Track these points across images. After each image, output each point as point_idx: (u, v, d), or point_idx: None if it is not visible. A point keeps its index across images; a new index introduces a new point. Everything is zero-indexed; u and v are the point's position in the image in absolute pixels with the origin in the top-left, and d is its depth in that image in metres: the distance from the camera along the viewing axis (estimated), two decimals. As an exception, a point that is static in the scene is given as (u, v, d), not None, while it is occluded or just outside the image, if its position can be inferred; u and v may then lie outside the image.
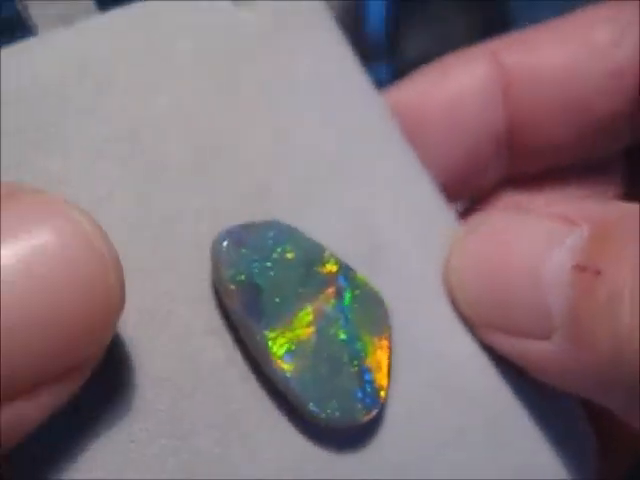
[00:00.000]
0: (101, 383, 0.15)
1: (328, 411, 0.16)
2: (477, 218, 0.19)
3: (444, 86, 0.22)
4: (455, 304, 0.19)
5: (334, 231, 0.18)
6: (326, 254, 0.17)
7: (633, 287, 0.15)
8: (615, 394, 0.16)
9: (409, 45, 0.45)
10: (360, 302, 0.17)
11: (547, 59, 0.21)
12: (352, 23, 0.45)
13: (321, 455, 0.16)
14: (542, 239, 0.17)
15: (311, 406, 0.16)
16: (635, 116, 0.21)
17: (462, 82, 0.22)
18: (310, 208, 0.18)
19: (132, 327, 0.15)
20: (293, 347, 0.16)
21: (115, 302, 0.13)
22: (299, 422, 0.16)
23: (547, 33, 0.21)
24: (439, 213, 0.20)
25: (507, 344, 0.18)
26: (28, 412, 0.12)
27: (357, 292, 0.17)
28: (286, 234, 0.16)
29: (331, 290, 0.16)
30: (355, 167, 0.19)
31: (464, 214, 0.23)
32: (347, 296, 0.17)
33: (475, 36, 0.46)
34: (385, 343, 0.17)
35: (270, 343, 0.16)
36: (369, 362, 0.16)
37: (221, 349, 0.16)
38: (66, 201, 0.13)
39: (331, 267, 0.17)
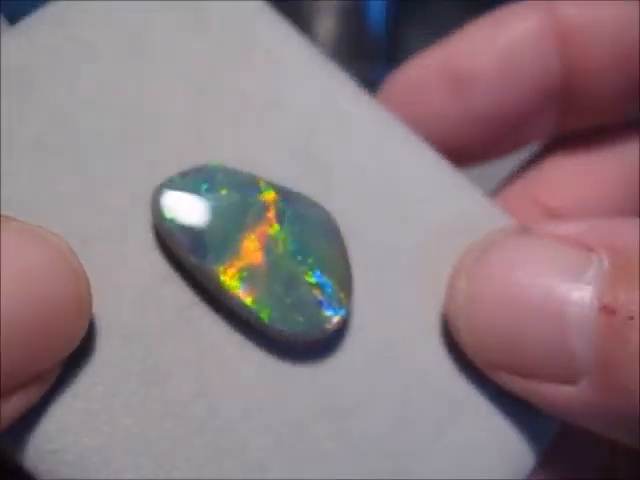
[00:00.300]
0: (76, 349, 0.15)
1: (294, 325, 0.16)
2: (484, 240, 0.18)
3: (498, 37, 0.21)
4: (462, 344, 0.17)
5: (277, 154, 0.18)
6: (261, 183, 0.17)
7: None
8: None
9: (409, 45, 0.45)
10: (303, 215, 0.17)
11: (603, 11, 0.20)
12: (352, 23, 0.45)
13: (299, 371, 0.17)
14: (560, 272, 0.16)
15: (275, 325, 0.16)
16: None
17: (517, 33, 0.21)
18: (248, 137, 0.18)
19: (94, 291, 0.15)
20: (245, 274, 0.16)
21: (87, 310, 0.15)
22: (272, 345, 0.17)
23: None
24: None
25: (524, 387, 0.17)
26: (13, 407, 0.14)
27: (298, 207, 0.17)
28: (219, 173, 0.17)
29: (271, 214, 0.17)
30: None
31: (508, 182, 0.23)
32: (288, 214, 0.17)
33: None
34: (338, 250, 0.17)
35: (222, 277, 0.16)
36: (325, 269, 0.17)
37: (181, 294, 0.17)
38: (45, 228, 0.15)
39: (269, 195, 0.17)
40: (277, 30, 0.20)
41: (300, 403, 0.17)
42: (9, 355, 0.13)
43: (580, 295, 0.15)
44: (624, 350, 0.15)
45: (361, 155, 0.19)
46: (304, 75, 0.19)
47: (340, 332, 0.17)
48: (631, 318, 0.15)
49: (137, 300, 0.17)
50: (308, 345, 0.17)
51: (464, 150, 0.21)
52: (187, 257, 0.16)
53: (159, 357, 0.16)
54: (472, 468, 0.17)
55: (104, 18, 0.18)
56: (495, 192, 0.24)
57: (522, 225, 0.18)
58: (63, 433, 0.15)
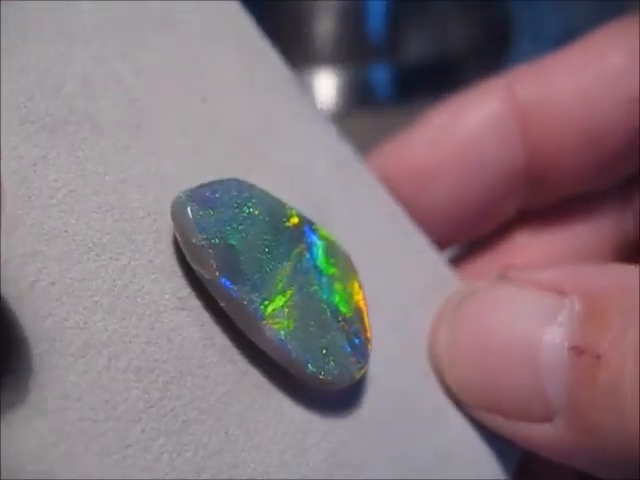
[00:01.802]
0: (81, 384, 0.13)
1: (326, 370, 0.15)
2: (462, 289, 0.19)
3: (458, 126, 0.21)
4: (444, 384, 0.18)
5: (280, 186, 0.17)
6: (286, 207, 0.16)
7: (634, 373, 0.15)
8: (621, 473, 0.16)
9: (409, 45, 0.45)
10: (329, 255, 0.16)
11: (561, 90, 0.20)
12: (352, 23, 0.45)
13: (321, 421, 0.16)
14: (533, 315, 0.17)
15: (309, 367, 0.15)
16: None
17: (475, 121, 0.21)
18: (253, 167, 0.17)
19: (99, 310, 0.14)
20: (281, 308, 0.15)
21: None
22: (291, 391, 0.16)
23: (559, 62, 0.21)
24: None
25: (505, 427, 0.17)
26: None
27: (324, 244, 0.16)
28: (247, 191, 0.16)
29: (302, 246, 0.16)
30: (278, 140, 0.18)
31: (476, 252, 0.23)
32: (317, 251, 0.16)
33: (475, 36, 0.46)
34: (360, 293, 0.17)
35: (258, 306, 0.15)
36: (351, 315, 0.16)
37: (196, 325, 0.15)
38: None
39: (294, 220, 0.16)
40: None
41: (317, 459, 0.15)
42: None
43: (552, 337, 0.16)
44: (593, 389, 0.15)
45: (351, 200, 0.19)
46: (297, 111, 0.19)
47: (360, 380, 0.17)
48: (599, 358, 0.15)
49: (147, 327, 0.14)
50: (330, 392, 0.16)
51: (434, 236, 0.21)
52: (219, 281, 0.14)
53: (174, 400, 0.14)
54: None
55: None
56: (462, 259, 0.24)
57: (499, 273, 0.18)
58: None
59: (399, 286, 0.19)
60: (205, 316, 0.15)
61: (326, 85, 0.43)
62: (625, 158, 0.21)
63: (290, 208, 0.16)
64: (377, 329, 0.17)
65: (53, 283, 0.14)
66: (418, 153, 0.21)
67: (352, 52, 0.44)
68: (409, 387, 0.18)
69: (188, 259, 0.15)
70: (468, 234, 0.23)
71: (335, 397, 0.16)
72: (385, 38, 0.46)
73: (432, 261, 0.20)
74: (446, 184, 0.21)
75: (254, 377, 0.15)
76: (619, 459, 0.15)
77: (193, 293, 0.15)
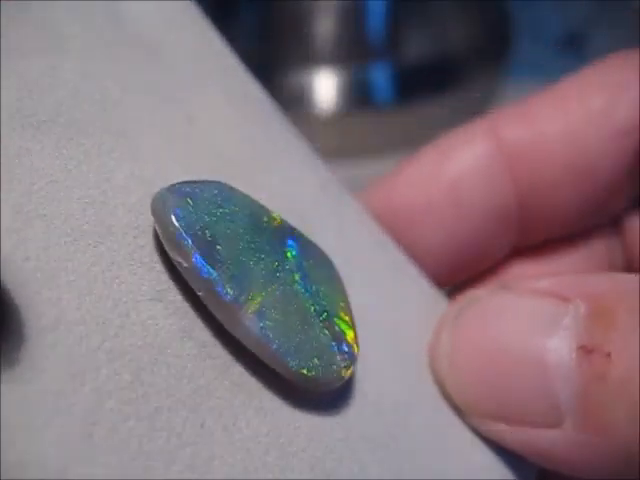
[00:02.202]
0: (49, 357, 0.13)
1: (310, 367, 0.15)
2: (463, 299, 0.19)
3: (446, 166, 0.21)
4: (447, 396, 0.18)
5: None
6: (268, 210, 0.16)
7: None
8: (633, 475, 0.16)
9: (409, 45, 0.45)
10: (312, 258, 0.16)
11: (547, 129, 0.21)
12: (352, 23, 0.45)
13: (308, 426, 0.15)
14: (537, 321, 0.17)
15: (292, 363, 0.15)
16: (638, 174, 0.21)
17: (464, 163, 0.21)
18: (238, 185, 0.17)
19: (74, 289, 0.14)
20: (261, 301, 0.15)
21: None
22: (276, 392, 0.15)
23: (543, 103, 0.21)
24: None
25: (510, 434, 0.17)
26: None
27: (307, 247, 0.16)
28: (229, 192, 0.16)
29: (284, 246, 0.16)
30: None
31: (469, 286, 0.23)
32: (300, 251, 0.16)
33: (475, 36, 0.46)
34: (344, 298, 0.16)
35: (238, 296, 0.14)
36: (336, 317, 0.16)
37: (174, 318, 0.15)
38: None
39: (277, 221, 0.16)
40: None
41: (302, 465, 0.15)
42: None
43: (558, 341, 0.16)
44: (604, 387, 0.15)
45: (335, 227, 0.19)
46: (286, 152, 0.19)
47: (344, 384, 0.16)
48: (609, 355, 0.15)
49: (122, 313, 0.14)
50: (313, 392, 0.16)
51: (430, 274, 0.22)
52: (197, 271, 0.14)
53: (148, 386, 0.14)
54: None
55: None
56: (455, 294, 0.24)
57: (500, 283, 0.19)
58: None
59: (388, 303, 0.19)
60: (184, 310, 0.15)
61: (326, 85, 0.43)
62: (611, 192, 0.21)
63: (272, 211, 0.16)
64: (365, 339, 0.17)
65: (28, 258, 0.14)
66: (407, 193, 0.21)
67: (352, 52, 0.44)
68: (400, 398, 0.17)
69: (166, 248, 0.15)
70: (462, 273, 0.23)
71: (323, 402, 0.16)
72: (385, 38, 0.46)
73: (422, 283, 0.20)
74: (436, 224, 0.21)
75: (235, 375, 0.15)
76: (632, 460, 0.15)
77: (173, 287, 0.15)
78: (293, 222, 0.17)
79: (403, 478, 0.16)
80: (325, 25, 0.44)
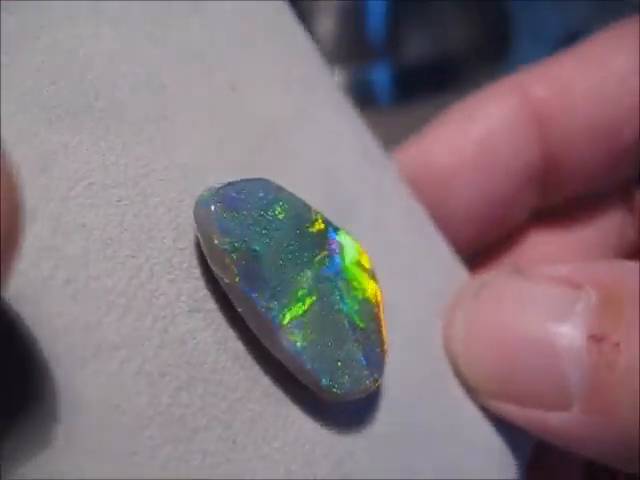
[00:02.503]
0: (91, 387, 0.13)
1: (340, 383, 0.15)
2: (477, 281, 0.19)
3: (474, 126, 0.22)
4: (460, 375, 0.19)
5: (306, 185, 0.17)
6: (312, 211, 0.16)
7: None
8: (635, 459, 0.16)
9: (409, 45, 0.45)
10: (351, 262, 0.16)
11: (572, 88, 0.21)
12: (352, 23, 0.45)
13: (330, 432, 0.16)
14: (551, 307, 0.17)
15: (324, 381, 0.15)
16: None
17: (492, 121, 0.22)
18: (278, 163, 0.17)
19: (113, 310, 0.13)
20: (299, 317, 0.15)
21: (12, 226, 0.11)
22: (301, 400, 0.15)
23: (570, 62, 0.21)
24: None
25: (521, 415, 0.18)
26: None
27: (349, 252, 0.16)
28: (274, 193, 0.15)
29: (325, 252, 0.16)
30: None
31: (488, 252, 0.24)
32: (340, 258, 0.16)
33: (475, 36, 0.46)
34: (379, 305, 0.16)
35: (277, 314, 0.14)
36: (368, 327, 0.16)
37: (211, 329, 0.14)
38: None
39: (319, 225, 0.16)
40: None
41: (323, 470, 0.15)
42: None
43: (570, 327, 0.17)
44: (612, 374, 0.16)
45: (375, 201, 0.19)
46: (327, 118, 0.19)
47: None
48: (617, 344, 0.16)
49: (162, 329, 0.14)
50: (342, 404, 0.16)
51: (455, 237, 0.22)
52: (239, 286, 0.14)
53: (184, 407, 0.14)
54: None
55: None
56: (475, 259, 0.24)
57: (514, 266, 0.19)
58: None
59: (417, 295, 0.19)
60: (220, 320, 0.15)
61: (326, 85, 0.43)
62: (632, 154, 0.21)
63: (316, 212, 0.16)
64: (393, 341, 0.17)
65: (68, 281, 0.13)
66: (436, 155, 0.22)
67: (352, 52, 0.44)
68: (423, 401, 0.18)
69: (209, 261, 0.14)
70: (487, 234, 0.23)
71: (346, 408, 0.16)
72: (385, 38, 0.46)
73: (452, 268, 0.20)
74: (465, 185, 0.22)
75: (266, 385, 0.15)
76: (632, 439, 0.16)
77: (210, 295, 0.15)
78: (334, 199, 0.17)
79: (420, 475, 0.17)
80: (325, 25, 0.44)
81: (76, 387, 0.13)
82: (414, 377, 0.18)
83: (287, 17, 0.19)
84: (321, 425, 0.15)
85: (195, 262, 0.15)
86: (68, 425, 0.12)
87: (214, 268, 0.14)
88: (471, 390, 0.18)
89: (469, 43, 0.46)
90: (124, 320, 0.13)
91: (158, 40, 0.16)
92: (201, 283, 0.15)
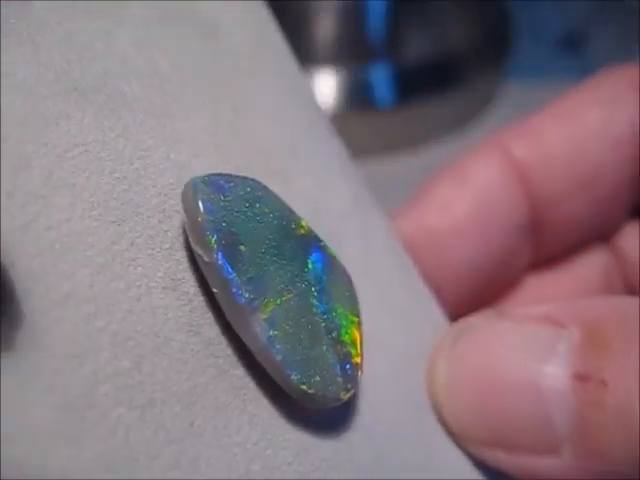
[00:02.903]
0: (54, 332, 0.13)
1: (310, 383, 0.15)
2: (456, 327, 0.19)
3: (467, 187, 0.22)
4: (444, 423, 0.18)
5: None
6: (298, 216, 0.16)
7: None
8: None
9: (409, 45, 0.45)
10: (333, 273, 0.16)
11: (553, 144, 0.22)
12: (352, 23, 0.45)
13: (297, 441, 0.15)
14: (533, 347, 0.17)
15: (293, 376, 0.14)
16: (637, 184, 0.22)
17: (483, 183, 0.22)
18: (272, 184, 0.17)
19: (90, 265, 0.13)
20: (275, 308, 0.15)
21: None
22: (272, 402, 0.15)
23: (546, 119, 0.22)
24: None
25: (509, 462, 0.17)
26: None
27: (329, 261, 0.16)
28: (262, 191, 0.15)
29: (307, 256, 0.16)
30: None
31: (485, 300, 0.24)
32: (321, 265, 0.16)
33: (475, 36, 0.46)
34: (357, 320, 0.16)
35: (252, 300, 0.14)
36: (345, 337, 0.16)
37: (185, 310, 0.14)
38: None
39: (304, 230, 0.16)
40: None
41: (285, 478, 0.15)
42: None
43: (554, 368, 0.16)
44: (601, 413, 0.15)
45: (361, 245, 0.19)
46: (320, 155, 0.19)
47: (345, 405, 0.16)
48: (604, 382, 0.15)
49: (134, 298, 0.14)
50: (311, 410, 0.15)
51: (454, 295, 0.22)
52: (218, 267, 0.14)
53: (146, 375, 0.14)
54: None
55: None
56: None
57: (495, 309, 0.19)
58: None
59: (400, 332, 0.19)
60: (196, 303, 0.15)
61: (326, 85, 0.43)
62: (614, 202, 0.22)
63: (300, 218, 0.16)
64: (371, 363, 0.17)
65: (49, 228, 0.13)
66: (431, 219, 0.22)
67: (352, 52, 0.44)
68: (399, 422, 0.17)
69: (190, 240, 0.14)
70: (484, 290, 0.23)
71: (317, 419, 0.16)
72: (385, 38, 0.46)
73: (435, 315, 0.20)
74: (461, 246, 0.22)
75: (235, 378, 0.15)
76: None
77: (189, 278, 0.15)
78: (320, 230, 0.17)
79: None
80: (325, 25, 0.44)
81: (40, 327, 0.13)
82: (391, 409, 0.17)
83: (288, 56, 0.20)
84: (288, 432, 0.15)
85: (178, 246, 0.15)
86: (24, 360, 0.12)
87: (195, 247, 0.14)
88: (456, 438, 0.18)
89: (469, 43, 0.46)
90: (98, 277, 0.14)
91: (169, 51, 0.17)
92: (181, 266, 0.15)
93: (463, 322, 0.19)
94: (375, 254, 0.19)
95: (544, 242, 0.23)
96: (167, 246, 0.15)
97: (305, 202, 0.18)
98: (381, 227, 0.20)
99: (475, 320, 0.19)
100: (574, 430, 0.16)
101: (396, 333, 0.19)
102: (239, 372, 0.15)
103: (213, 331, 0.15)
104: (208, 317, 0.15)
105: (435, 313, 0.20)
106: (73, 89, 0.15)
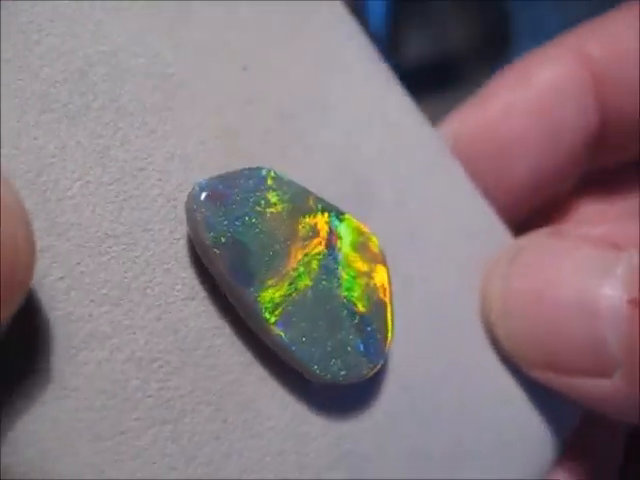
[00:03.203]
0: (80, 375, 0.13)
1: (332, 370, 0.15)
2: (513, 246, 0.18)
3: (533, 90, 0.21)
4: (497, 344, 0.18)
5: (319, 170, 0.17)
6: (311, 200, 0.15)
7: None
8: None
9: (409, 46, 0.45)
10: (353, 248, 0.16)
11: (628, 45, 0.20)
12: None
13: (326, 413, 0.16)
14: (591, 270, 0.16)
15: (314, 368, 0.15)
16: None
17: (550, 83, 0.21)
18: (291, 147, 0.17)
19: (106, 302, 0.14)
20: (289, 307, 0.15)
21: (24, 259, 0.12)
22: (298, 383, 0.15)
23: (622, 18, 0.21)
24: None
25: (560, 382, 0.17)
26: None
27: (351, 237, 0.16)
28: (269, 182, 0.15)
29: (322, 241, 0.15)
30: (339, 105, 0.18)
31: (534, 218, 0.23)
32: (341, 244, 0.16)
33: (475, 36, 0.46)
34: (385, 290, 0.16)
35: (263, 308, 0.14)
36: (370, 312, 0.16)
37: (205, 316, 0.15)
38: None
39: (318, 215, 0.15)
40: (337, 22, 0.18)
41: (319, 449, 0.15)
42: None
43: (610, 290, 0.16)
44: None
45: (401, 176, 0.18)
46: (356, 76, 0.18)
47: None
48: None
49: (155, 317, 0.14)
50: (340, 387, 0.16)
51: (510, 203, 0.21)
52: (227, 279, 0.14)
53: (174, 390, 0.14)
54: (498, 462, 0.17)
55: None
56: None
57: (552, 229, 0.18)
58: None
59: (448, 264, 0.18)
60: (215, 306, 0.15)
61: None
62: None
63: (316, 201, 0.16)
64: (406, 319, 0.17)
65: (62, 278, 0.14)
66: (491, 120, 0.21)
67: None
68: (432, 379, 0.17)
69: (198, 253, 0.15)
70: (537, 200, 0.22)
71: (346, 389, 0.16)
72: (385, 38, 0.46)
73: (493, 232, 0.20)
74: (520, 151, 0.21)
75: (260, 368, 0.15)
76: None
77: (205, 283, 0.15)
78: (347, 184, 0.17)
79: (425, 455, 0.17)
80: (325, 25, 0.44)
81: (65, 375, 0.13)
82: (426, 356, 0.17)
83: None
84: (317, 406, 0.16)
85: (190, 252, 0.15)
86: (55, 407, 0.13)
87: (204, 261, 0.14)
88: (509, 359, 0.18)
89: (469, 43, 0.46)
90: (116, 311, 0.14)
91: (166, 32, 0.16)
92: (197, 271, 0.15)
93: (520, 241, 0.19)
94: (414, 190, 0.18)
95: (607, 153, 0.21)
96: (180, 255, 0.15)
97: (331, 155, 0.17)
98: (426, 147, 0.19)
99: (533, 239, 0.18)
100: (627, 355, 0.16)
101: (443, 265, 0.18)
102: (263, 364, 0.15)
103: (234, 330, 0.15)
104: (229, 317, 0.15)
105: (494, 231, 0.20)
106: (63, 116, 0.14)
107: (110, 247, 0.14)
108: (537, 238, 0.18)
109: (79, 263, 0.14)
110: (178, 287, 0.15)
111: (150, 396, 0.14)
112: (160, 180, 0.15)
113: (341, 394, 0.16)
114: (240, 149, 0.16)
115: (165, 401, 0.14)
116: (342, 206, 0.16)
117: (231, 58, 0.16)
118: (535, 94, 0.21)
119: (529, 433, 0.18)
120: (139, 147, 0.15)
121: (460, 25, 0.47)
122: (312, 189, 0.16)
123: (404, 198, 0.18)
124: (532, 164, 0.21)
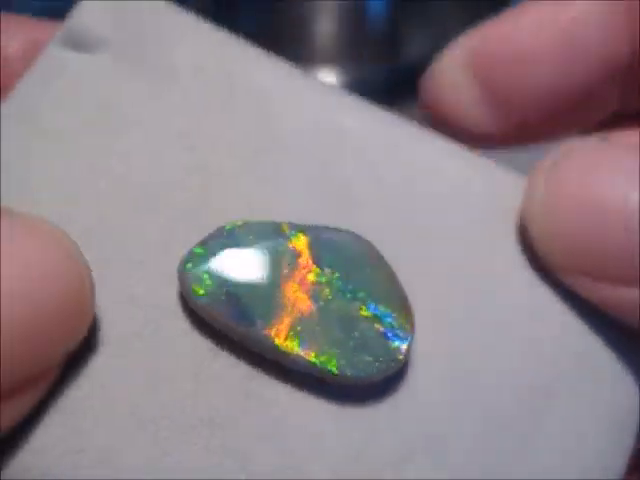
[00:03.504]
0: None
1: (350, 374, 0.15)
2: (560, 148, 0.18)
3: (563, 9, 0.20)
4: (536, 248, 0.18)
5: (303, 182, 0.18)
6: (286, 228, 0.16)
7: None
8: None
9: (409, 45, 0.45)
10: (339, 250, 0.16)
11: None
12: (352, 23, 0.45)
13: (377, 413, 0.16)
14: (636, 177, 0.16)
15: (347, 373, 0.15)
16: None
17: (584, 5, 0.20)
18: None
19: (141, 390, 0.15)
20: (299, 329, 0.15)
21: (89, 306, 0.15)
22: (343, 393, 0.16)
23: None
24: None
25: (593, 289, 0.17)
26: (11, 412, 0.14)
27: (331, 243, 0.16)
28: (239, 233, 0.16)
29: (306, 259, 0.16)
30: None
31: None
32: (323, 253, 0.16)
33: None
34: (385, 274, 0.16)
35: (277, 340, 0.15)
36: (379, 299, 0.16)
37: (234, 365, 0.16)
38: (47, 220, 0.14)
39: (297, 240, 0.16)
40: (249, 58, 0.19)
41: (388, 444, 0.16)
42: (8, 354, 0.13)
43: None
44: None
45: (373, 165, 0.18)
46: (292, 100, 0.19)
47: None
48: None
49: (191, 386, 0.16)
50: (379, 383, 0.16)
51: (529, 123, 0.21)
52: (234, 329, 0.15)
53: (237, 439, 0.15)
54: (573, 452, 0.17)
55: (73, 99, 0.18)
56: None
57: (599, 135, 0.18)
58: None
59: (442, 227, 0.18)
60: (236, 358, 0.16)
61: (326, 85, 0.43)
62: None
63: (290, 227, 0.16)
64: (426, 295, 0.17)
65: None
66: (521, 36, 0.21)
67: (352, 52, 0.44)
68: (472, 351, 0.17)
69: (201, 315, 0.16)
70: (563, 125, 0.22)
71: (385, 383, 0.16)
72: (385, 38, 0.46)
73: (502, 182, 0.19)
74: (546, 69, 0.20)
75: (302, 393, 0.16)
76: None
77: (216, 341, 0.16)
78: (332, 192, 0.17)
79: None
80: (325, 25, 0.44)
81: None
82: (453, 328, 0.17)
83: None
84: (331, 409, 0.16)
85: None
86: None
87: (207, 319, 0.16)
88: (546, 265, 0.18)
89: (469, 43, 0.46)
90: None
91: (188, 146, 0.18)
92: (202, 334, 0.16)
93: (566, 145, 0.18)
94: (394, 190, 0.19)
95: (636, 92, 0.21)
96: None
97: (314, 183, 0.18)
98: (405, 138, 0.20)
99: (579, 144, 0.18)
100: None
101: (445, 259, 0.18)
102: (297, 385, 0.16)
103: (264, 375, 0.16)
104: (251, 361, 0.16)
105: (503, 181, 0.19)
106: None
107: (128, 341, 0.16)
108: (585, 142, 0.18)
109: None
110: (198, 351, 0.16)
111: (218, 448, 0.15)
112: (165, 232, 0.17)
113: (389, 388, 0.16)
114: (211, 201, 0.17)
115: (232, 449, 0.15)
116: (321, 215, 0.17)
117: (174, 144, 0.18)
118: (567, 14, 0.20)
119: (618, 375, 0.18)
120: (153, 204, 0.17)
121: (460, 25, 0.47)
122: (286, 211, 0.17)
123: (380, 182, 0.18)
124: (553, 81, 0.20)
